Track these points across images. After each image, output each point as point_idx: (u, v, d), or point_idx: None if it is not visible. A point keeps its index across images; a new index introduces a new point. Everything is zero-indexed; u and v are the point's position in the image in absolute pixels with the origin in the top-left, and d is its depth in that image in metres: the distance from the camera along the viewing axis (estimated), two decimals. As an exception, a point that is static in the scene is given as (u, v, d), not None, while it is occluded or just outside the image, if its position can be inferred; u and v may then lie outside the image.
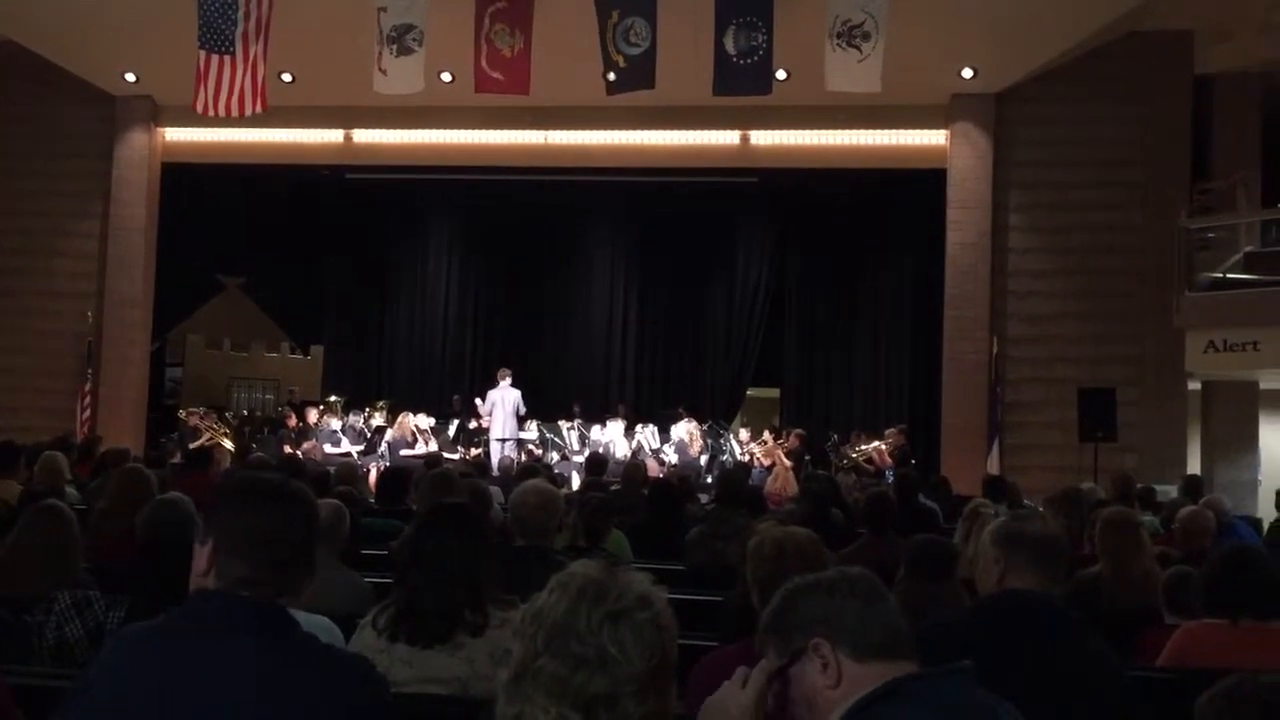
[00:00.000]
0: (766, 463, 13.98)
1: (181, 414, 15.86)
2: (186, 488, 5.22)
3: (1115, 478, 9.00)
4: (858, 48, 11.28)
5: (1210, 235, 13.57)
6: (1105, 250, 13.56)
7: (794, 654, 1.87)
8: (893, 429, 14.10)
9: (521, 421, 14.99)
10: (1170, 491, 9.76)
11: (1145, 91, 13.44)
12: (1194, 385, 13.75)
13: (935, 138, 14.10)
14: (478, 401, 15.23)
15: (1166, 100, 13.48)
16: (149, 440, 14.78)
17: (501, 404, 14.74)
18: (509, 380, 14.84)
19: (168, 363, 19.23)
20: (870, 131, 14.06)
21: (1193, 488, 9.18)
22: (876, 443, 13.93)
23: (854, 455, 13.96)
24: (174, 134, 15.31)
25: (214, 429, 14.85)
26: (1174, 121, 13.51)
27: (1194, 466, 13.17)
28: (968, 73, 13.34)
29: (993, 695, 1.86)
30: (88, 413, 14.75)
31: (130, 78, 14.58)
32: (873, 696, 1.80)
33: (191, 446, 12.05)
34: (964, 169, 13.86)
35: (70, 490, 7.24)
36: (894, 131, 14.11)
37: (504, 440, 14.61)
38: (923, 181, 14.21)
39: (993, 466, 12.75)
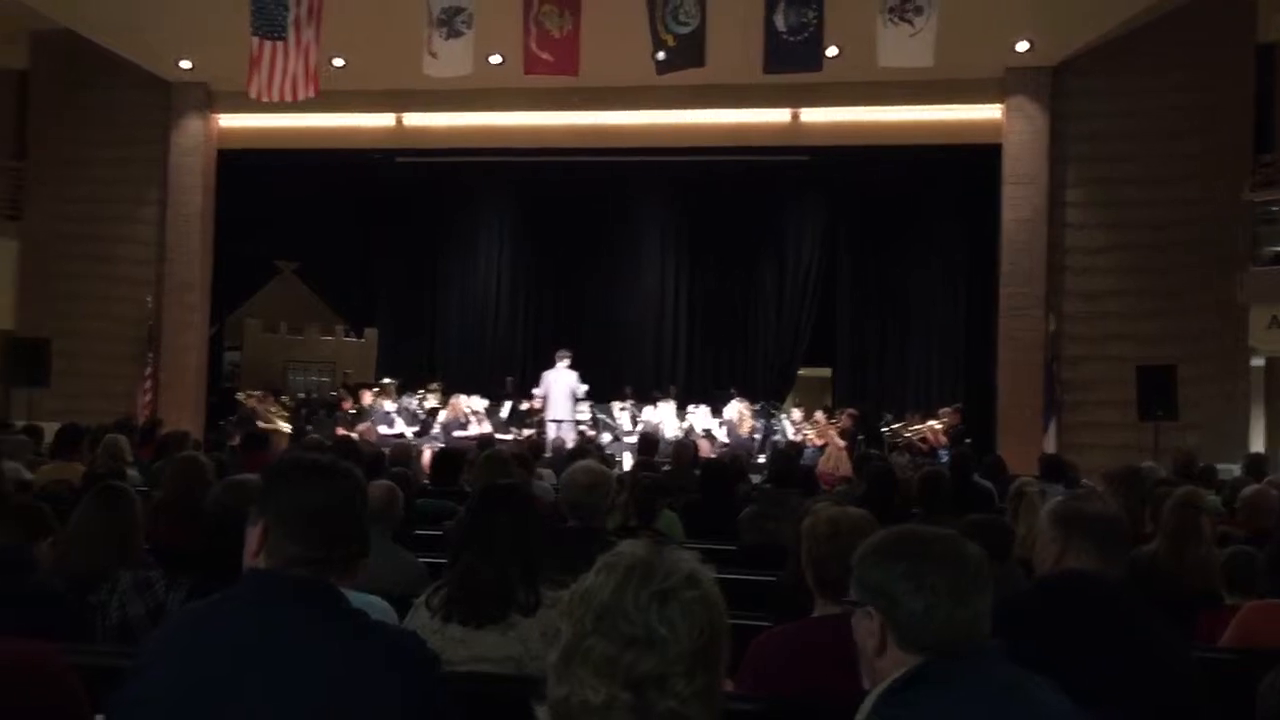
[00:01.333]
0: (819, 443, 13.91)
1: (240, 396, 16.06)
2: (246, 469, 5.29)
3: (1177, 456, 8.83)
4: (910, 22, 11.12)
5: (1274, 209, 13.25)
6: (1165, 225, 13.30)
7: (855, 603, 1.98)
8: (948, 408, 13.97)
9: (578, 403, 15.00)
10: (1233, 470, 9.56)
11: (1205, 62, 13.13)
12: (1257, 362, 13.46)
13: (990, 112, 13.89)
14: (535, 390, 15.24)
15: (1227, 71, 13.15)
16: (209, 422, 15.04)
17: (555, 385, 14.75)
18: (567, 362, 14.77)
19: (226, 346, 19.50)
20: (923, 107, 13.86)
21: (1256, 466, 8.96)
22: (931, 422, 13.81)
23: (908, 435, 13.85)
24: (228, 120, 15.50)
25: (271, 412, 15.04)
26: (1236, 93, 13.18)
27: (1257, 444, 12.88)
28: (1023, 45, 13.11)
29: (1022, 671, 1.87)
30: (149, 395, 15.01)
31: (185, 65, 14.76)
32: (902, 680, 1.86)
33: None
34: (1019, 144, 13.65)
35: (132, 472, 7.34)
36: (948, 107, 13.92)
37: (560, 421, 14.62)
38: (977, 157, 14.02)
39: (1049, 446, 12.58)
